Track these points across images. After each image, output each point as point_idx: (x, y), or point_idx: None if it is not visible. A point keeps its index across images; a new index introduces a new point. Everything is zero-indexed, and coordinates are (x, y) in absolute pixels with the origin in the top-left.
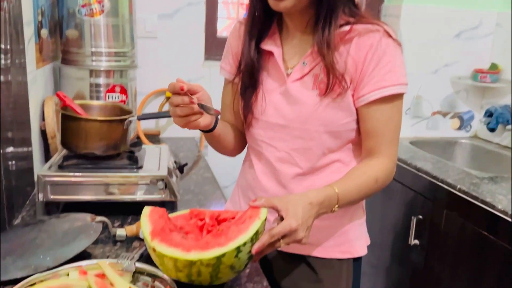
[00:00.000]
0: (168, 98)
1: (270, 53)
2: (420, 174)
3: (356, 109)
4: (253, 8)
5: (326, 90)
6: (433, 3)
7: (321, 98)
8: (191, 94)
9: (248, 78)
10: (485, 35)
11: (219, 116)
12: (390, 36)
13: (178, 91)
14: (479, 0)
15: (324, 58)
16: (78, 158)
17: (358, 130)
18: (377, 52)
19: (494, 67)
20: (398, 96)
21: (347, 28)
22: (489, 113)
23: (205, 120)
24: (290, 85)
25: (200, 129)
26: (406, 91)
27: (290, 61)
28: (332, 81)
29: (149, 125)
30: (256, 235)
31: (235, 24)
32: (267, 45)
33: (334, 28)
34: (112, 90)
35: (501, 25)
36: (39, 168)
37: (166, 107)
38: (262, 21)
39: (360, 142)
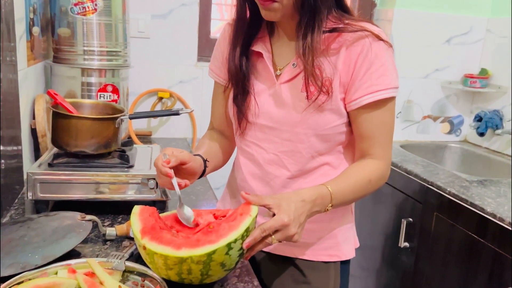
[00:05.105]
0: (160, 99)
1: (260, 54)
2: (410, 177)
3: (348, 112)
4: (241, 12)
5: (308, 95)
6: (424, 8)
7: (310, 101)
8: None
9: (236, 86)
10: (475, 40)
11: (207, 162)
12: (380, 38)
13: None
14: (469, 6)
15: (305, 64)
16: (69, 156)
17: (349, 133)
18: (368, 56)
19: (484, 73)
20: (391, 100)
21: (335, 34)
22: (478, 118)
23: (194, 165)
24: (279, 87)
25: None
26: (397, 94)
27: (280, 63)
28: (312, 86)
29: (140, 125)
30: (247, 232)
31: (224, 25)
32: (256, 47)
33: (317, 33)
34: (103, 89)
35: (491, 31)
36: (29, 166)
37: (158, 107)
38: (250, 26)
39: (350, 145)
